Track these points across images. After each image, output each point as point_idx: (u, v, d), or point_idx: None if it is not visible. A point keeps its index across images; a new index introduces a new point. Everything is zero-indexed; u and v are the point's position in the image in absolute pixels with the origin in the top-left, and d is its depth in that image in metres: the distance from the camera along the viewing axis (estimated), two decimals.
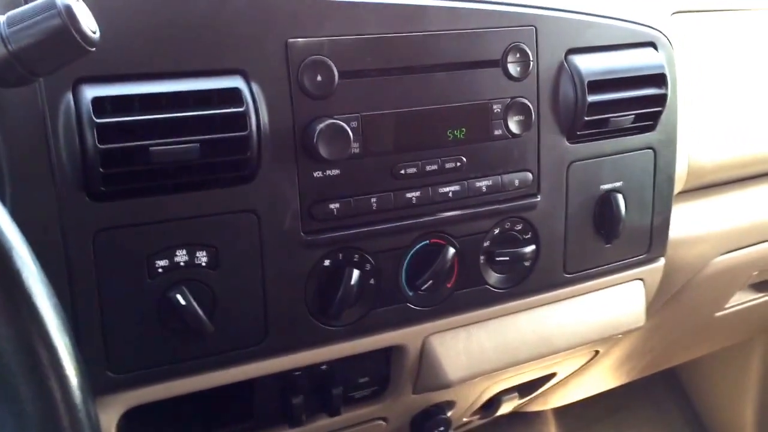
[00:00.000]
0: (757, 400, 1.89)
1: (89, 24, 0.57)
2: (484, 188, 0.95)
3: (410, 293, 0.95)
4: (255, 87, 0.80)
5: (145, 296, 0.78)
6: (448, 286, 0.97)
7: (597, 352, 1.33)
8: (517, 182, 0.97)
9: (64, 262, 0.74)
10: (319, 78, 0.83)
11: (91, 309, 0.76)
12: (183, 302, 0.79)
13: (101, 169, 0.72)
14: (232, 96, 0.78)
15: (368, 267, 0.90)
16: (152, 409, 0.85)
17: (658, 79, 1.05)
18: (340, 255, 0.88)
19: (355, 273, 0.88)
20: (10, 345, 0.44)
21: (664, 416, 2.08)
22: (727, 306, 1.47)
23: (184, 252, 0.79)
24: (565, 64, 0.99)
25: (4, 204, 0.56)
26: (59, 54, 0.57)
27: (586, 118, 0.99)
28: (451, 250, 0.94)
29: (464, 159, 0.93)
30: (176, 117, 0.75)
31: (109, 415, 0.82)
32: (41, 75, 0.58)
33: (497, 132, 0.94)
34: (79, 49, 0.57)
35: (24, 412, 0.45)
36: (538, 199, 1.00)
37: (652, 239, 1.13)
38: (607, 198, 1.05)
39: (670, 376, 2.08)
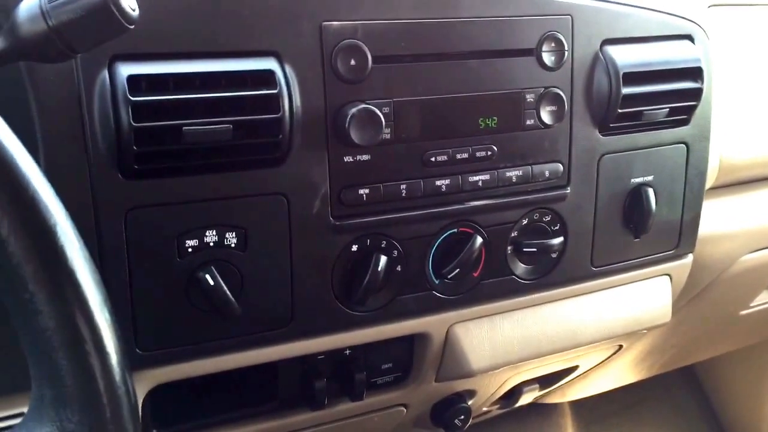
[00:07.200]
0: None
1: (129, 1, 0.57)
2: (514, 178, 0.94)
3: (436, 281, 0.94)
4: (288, 69, 0.80)
5: (174, 275, 0.79)
6: (475, 275, 0.96)
7: (620, 346, 1.32)
8: (547, 173, 0.96)
9: (95, 239, 0.75)
10: (352, 62, 0.82)
11: (121, 286, 0.77)
12: (211, 283, 0.79)
13: (135, 147, 0.72)
14: (266, 78, 0.78)
15: (395, 254, 0.90)
16: (177, 387, 0.85)
17: (694, 73, 1.03)
18: (368, 241, 0.88)
19: (383, 259, 0.88)
20: (52, 321, 0.45)
21: (681, 413, 2.06)
22: (752, 304, 1.46)
23: (214, 233, 0.79)
24: (601, 55, 0.97)
25: None
26: (99, 31, 0.57)
27: (619, 111, 0.98)
28: (479, 240, 0.94)
29: (495, 148, 0.92)
30: (209, 97, 0.75)
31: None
32: (80, 51, 0.58)
33: (529, 122, 0.94)
34: (119, 27, 0.57)
35: (64, 387, 0.46)
36: (568, 190, 0.99)
37: (681, 235, 1.11)
38: (638, 192, 1.04)
39: (688, 373, 2.07)
